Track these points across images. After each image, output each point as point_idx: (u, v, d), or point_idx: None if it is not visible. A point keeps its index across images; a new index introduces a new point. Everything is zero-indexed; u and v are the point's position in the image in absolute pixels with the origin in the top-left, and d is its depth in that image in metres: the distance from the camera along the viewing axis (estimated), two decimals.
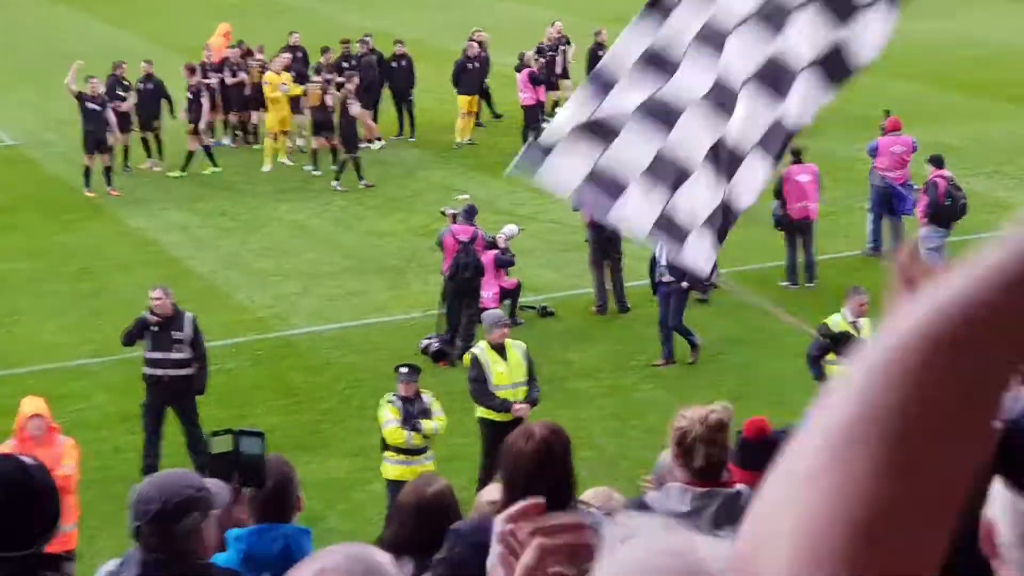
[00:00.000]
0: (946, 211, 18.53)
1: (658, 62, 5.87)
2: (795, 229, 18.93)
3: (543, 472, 4.44)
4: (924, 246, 17.30)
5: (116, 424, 14.92)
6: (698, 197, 5.86)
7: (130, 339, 13.98)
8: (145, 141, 25.07)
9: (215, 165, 24.87)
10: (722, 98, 5.77)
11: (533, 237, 20.31)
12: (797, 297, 18.28)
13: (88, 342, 17.33)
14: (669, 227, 5.92)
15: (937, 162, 18.88)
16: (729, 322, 17.87)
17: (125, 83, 24.93)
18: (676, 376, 16.28)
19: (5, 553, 4.09)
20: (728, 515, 4.67)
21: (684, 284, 16.32)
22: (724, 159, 5.79)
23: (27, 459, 4.20)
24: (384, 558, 2.94)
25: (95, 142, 23.44)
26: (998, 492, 2.42)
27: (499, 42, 29.69)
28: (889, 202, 19.91)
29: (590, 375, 16.37)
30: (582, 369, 16.52)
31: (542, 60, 27.51)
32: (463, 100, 26.84)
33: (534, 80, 26.13)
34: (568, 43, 29.05)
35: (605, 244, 18.09)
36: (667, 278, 16.39)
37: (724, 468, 4.86)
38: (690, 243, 5.90)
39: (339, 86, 24.37)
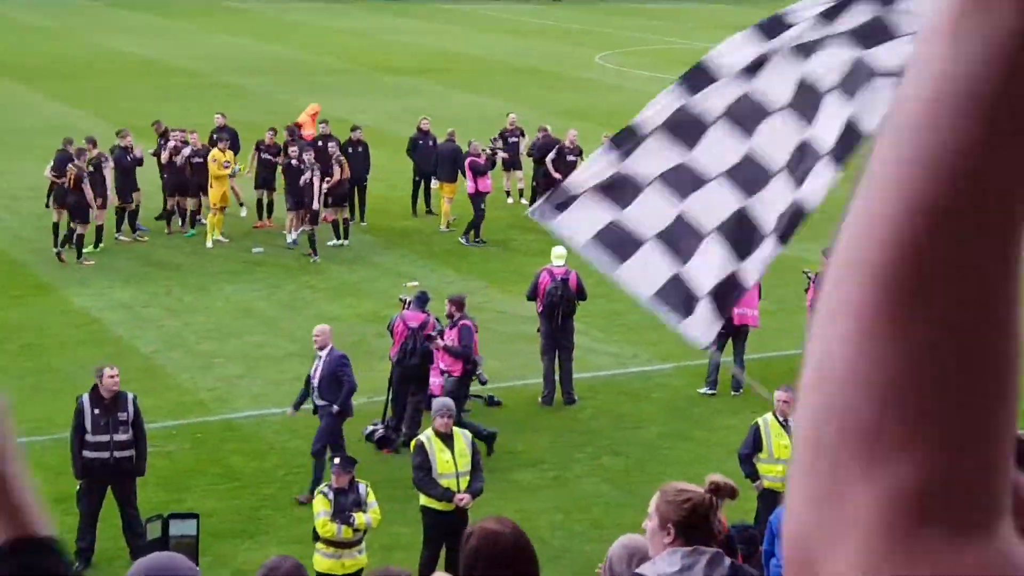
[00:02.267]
0: None
1: (686, 130, 5.93)
2: (731, 335, 18.32)
3: (501, 565, 4.36)
4: None
5: (51, 505, 14.59)
6: (708, 266, 5.91)
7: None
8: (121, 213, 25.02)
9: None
10: (749, 175, 5.85)
11: (481, 328, 20.24)
12: (723, 402, 18.28)
13: (25, 420, 17.01)
14: (673, 294, 5.97)
15: None
16: (674, 417, 17.86)
17: (74, 159, 24.80)
18: (621, 469, 16.20)
19: None
20: (714, 571, 4.65)
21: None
22: (741, 232, 5.85)
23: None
24: None
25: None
26: None
27: (454, 132, 29.84)
28: None
29: (535, 465, 16.26)
30: (527, 459, 16.41)
31: (496, 147, 27.62)
32: (447, 187, 26.94)
33: (475, 170, 26.17)
34: (522, 135, 29.31)
35: (557, 334, 18.06)
36: None
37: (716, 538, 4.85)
38: (696, 313, 5.95)
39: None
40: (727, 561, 4.73)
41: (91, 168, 23.90)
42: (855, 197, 0.86)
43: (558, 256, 18.61)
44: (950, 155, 0.82)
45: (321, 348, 15.60)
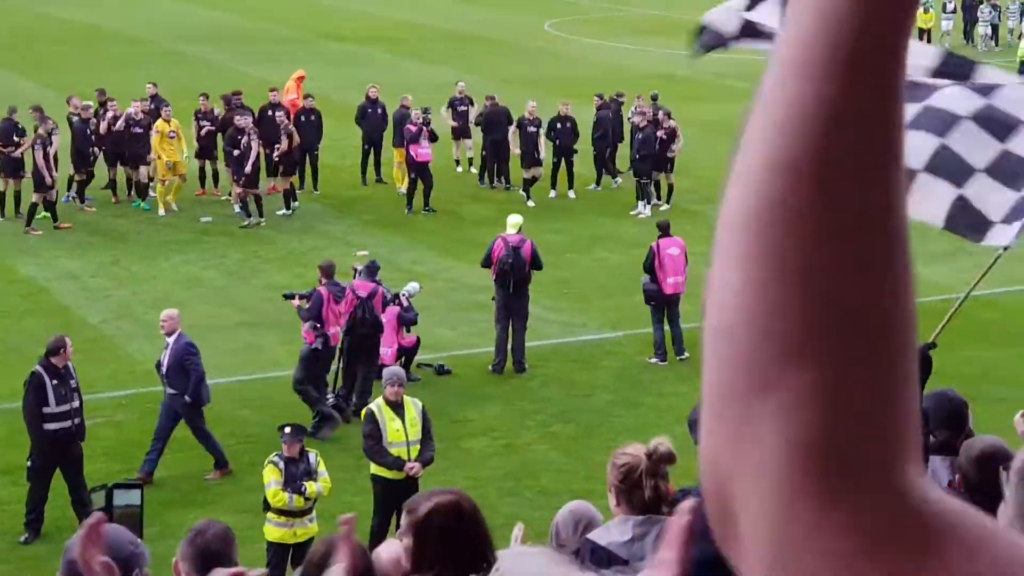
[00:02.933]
0: None
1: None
2: (665, 303, 18.47)
3: (455, 544, 4.36)
4: None
5: None
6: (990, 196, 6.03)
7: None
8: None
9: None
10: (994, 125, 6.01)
11: (432, 295, 20.26)
12: (671, 370, 18.41)
13: None
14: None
15: None
16: (624, 384, 17.95)
17: (20, 128, 24.52)
18: (571, 436, 16.28)
19: None
20: None
21: None
22: (1010, 169, 5.96)
23: None
24: None
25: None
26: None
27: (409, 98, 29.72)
28: None
29: (485, 434, 16.31)
30: (478, 428, 16.46)
31: (427, 117, 27.38)
32: (397, 152, 26.83)
33: (408, 138, 25.97)
34: (471, 103, 29.22)
35: (511, 302, 18.07)
36: None
37: (665, 503, 4.86)
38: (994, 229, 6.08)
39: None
40: None
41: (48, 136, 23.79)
42: (736, 153, 0.89)
43: (513, 224, 18.64)
44: (807, 109, 0.84)
45: (169, 334, 15.07)
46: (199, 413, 15.15)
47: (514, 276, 18.08)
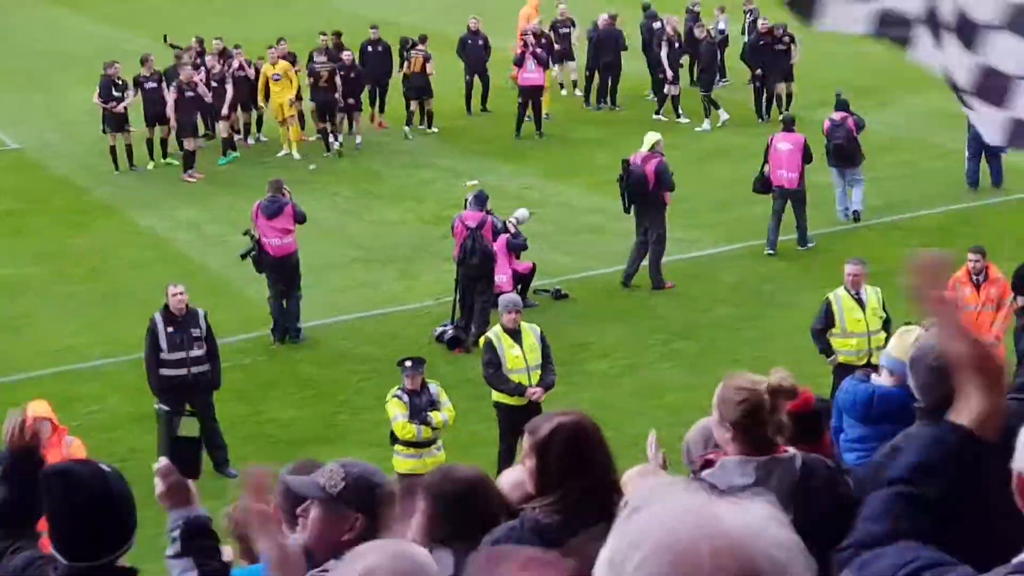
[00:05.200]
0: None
1: None
2: (780, 196, 19.09)
3: (579, 463, 4.30)
4: None
5: (130, 424, 14.86)
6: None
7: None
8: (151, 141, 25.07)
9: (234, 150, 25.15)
10: None
11: (544, 221, 20.19)
12: (790, 279, 18.12)
13: (100, 343, 17.26)
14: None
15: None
16: (744, 297, 17.76)
17: (120, 82, 24.82)
18: (694, 353, 16.16)
19: (81, 563, 4.01)
20: (788, 482, 4.55)
21: None
22: None
23: (105, 466, 4.12)
24: (425, 556, 2.84)
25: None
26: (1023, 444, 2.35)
27: (501, 28, 29.52)
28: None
29: (607, 356, 16.26)
30: (599, 350, 16.41)
31: (548, 39, 27.31)
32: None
33: (516, 60, 26.03)
34: (573, 25, 28.93)
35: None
36: None
37: (783, 438, 4.71)
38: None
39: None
40: (798, 462, 4.63)
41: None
42: None
43: (649, 141, 18.35)
44: None
45: None
46: None
47: (633, 197, 17.91)
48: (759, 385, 4.67)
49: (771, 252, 19.10)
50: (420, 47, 26.54)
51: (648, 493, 1.77)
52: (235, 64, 25.77)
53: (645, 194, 18.02)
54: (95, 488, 4.00)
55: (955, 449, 2.76)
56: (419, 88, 26.37)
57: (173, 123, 24.25)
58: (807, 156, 19.02)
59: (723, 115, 25.82)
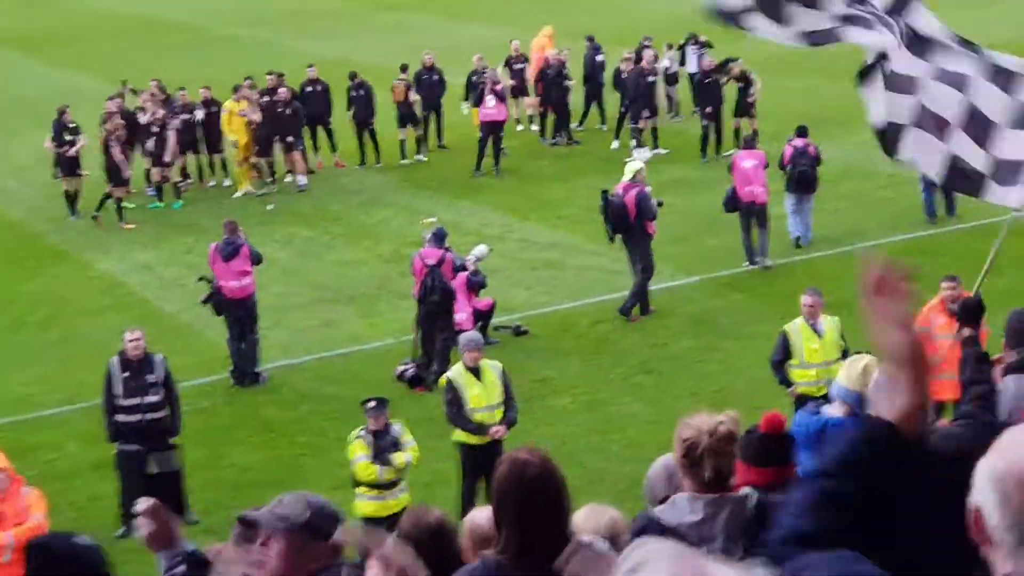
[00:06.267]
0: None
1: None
2: (747, 212, 19.74)
3: (547, 507, 4.33)
4: None
5: (89, 472, 14.70)
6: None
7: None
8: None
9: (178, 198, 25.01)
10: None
11: (502, 257, 20.22)
12: (749, 311, 18.23)
13: (57, 391, 17.11)
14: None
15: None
16: (703, 329, 17.82)
17: (72, 126, 24.71)
18: (654, 387, 16.18)
19: None
20: (737, 520, 4.61)
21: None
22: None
23: (80, 540, 4.08)
24: None
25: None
26: (983, 478, 2.34)
27: (455, 63, 29.63)
28: None
29: (568, 391, 16.26)
30: (560, 385, 16.41)
31: (503, 74, 27.54)
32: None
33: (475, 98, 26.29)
34: (526, 61, 29.09)
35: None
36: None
37: (731, 477, 4.79)
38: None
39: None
40: (752, 501, 4.70)
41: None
42: None
43: (629, 171, 18.49)
44: None
45: None
46: None
47: (617, 227, 18.21)
48: (704, 424, 4.78)
49: (751, 264, 19.75)
50: (402, 76, 27.05)
51: (644, 555, 1.78)
52: (176, 106, 25.74)
53: (628, 224, 18.09)
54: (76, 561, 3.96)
55: (875, 443, 2.76)
56: (404, 116, 26.79)
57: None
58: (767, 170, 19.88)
59: (646, 152, 25.73)
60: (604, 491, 12.94)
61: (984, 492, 2.26)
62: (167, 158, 25.01)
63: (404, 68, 27.38)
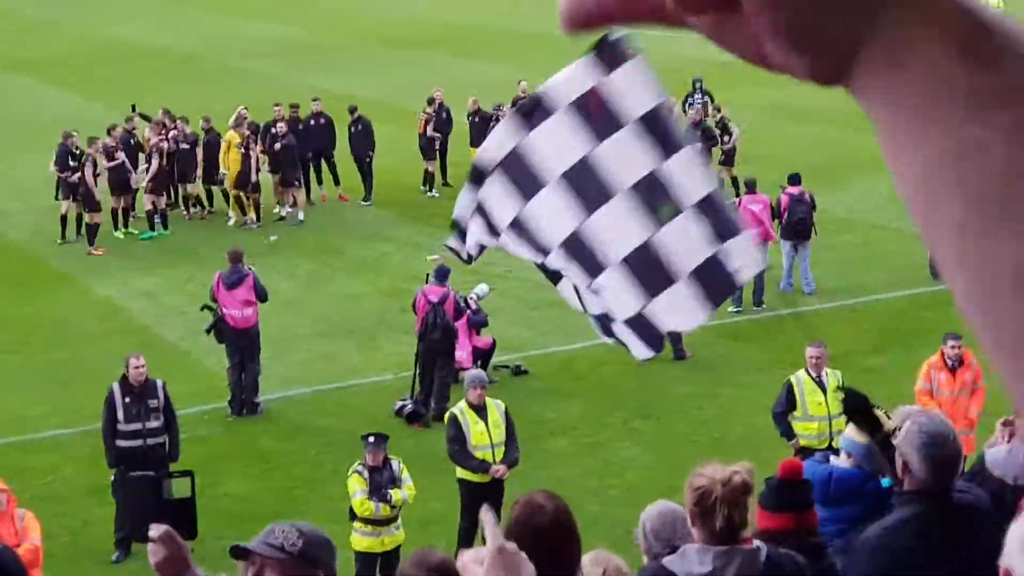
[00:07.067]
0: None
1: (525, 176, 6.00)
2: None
3: (558, 552, 4.32)
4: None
5: (84, 496, 14.67)
6: (618, 297, 5.92)
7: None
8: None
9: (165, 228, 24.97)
10: (651, 198, 5.80)
11: (504, 296, 20.23)
12: (748, 359, 18.23)
13: (55, 414, 17.08)
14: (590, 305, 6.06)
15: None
16: (701, 375, 17.81)
17: (77, 151, 24.75)
18: (652, 432, 16.17)
19: None
20: (747, 574, 4.59)
21: None
22: (647, 267, 5.82)
23: None
24: None
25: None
26: (1014, 541, 2.36)
27: (460, 100, 29.73)
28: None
29: (566, 433, 16.24)
30: (559, 427, 16.39)
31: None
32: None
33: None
34: None
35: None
36: None
37: (743, 529, 4.76)
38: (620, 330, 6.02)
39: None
40: (763, 555, 4.68)
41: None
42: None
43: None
44: None
45: None
46: None
47: None
48: (718, 473, 4.76)
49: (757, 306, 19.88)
50: (428, 110, 27.45)
51: None
52: (172, 133, 25.79)
53: None
54: None
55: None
56: (423, 149, 27.28)
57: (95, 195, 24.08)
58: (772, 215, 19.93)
59: None
60: (600, 535, 12.91)
61: (1015, 555, 2.28)
62: (141, 184, 24.94)
63: (431, 102, 27.62)
